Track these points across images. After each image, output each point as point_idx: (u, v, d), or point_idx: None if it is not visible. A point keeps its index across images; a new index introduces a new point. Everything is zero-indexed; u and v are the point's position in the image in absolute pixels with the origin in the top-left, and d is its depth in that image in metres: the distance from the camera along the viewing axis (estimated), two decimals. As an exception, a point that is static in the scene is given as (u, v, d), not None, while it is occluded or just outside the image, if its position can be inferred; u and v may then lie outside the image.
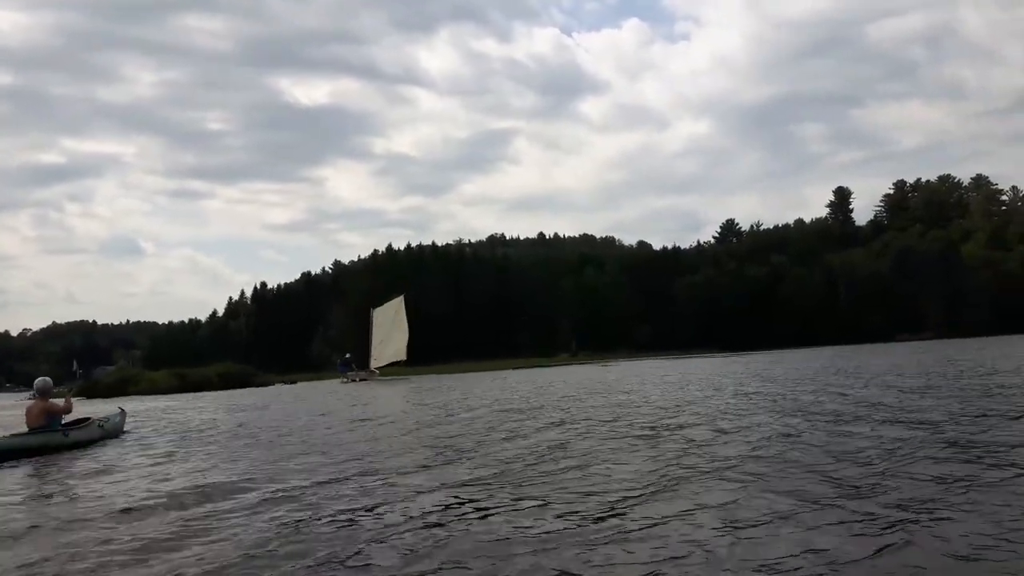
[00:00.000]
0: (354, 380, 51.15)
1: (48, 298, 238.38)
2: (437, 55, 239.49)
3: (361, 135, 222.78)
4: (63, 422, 13.00)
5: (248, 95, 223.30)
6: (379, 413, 18.80)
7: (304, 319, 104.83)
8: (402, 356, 56.98)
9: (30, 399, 12.69)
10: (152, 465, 10.06)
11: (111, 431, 14.10)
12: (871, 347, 61.96)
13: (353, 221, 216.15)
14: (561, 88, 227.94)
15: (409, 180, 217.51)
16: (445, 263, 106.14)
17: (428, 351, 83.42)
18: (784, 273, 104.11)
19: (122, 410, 15.82)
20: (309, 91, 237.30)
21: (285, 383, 58.60)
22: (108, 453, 11.96)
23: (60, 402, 13.45)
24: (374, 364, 56.83)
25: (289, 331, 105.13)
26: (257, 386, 53.32)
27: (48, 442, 12.03)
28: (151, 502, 7.18)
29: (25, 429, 12.58)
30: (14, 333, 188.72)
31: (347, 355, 57.75)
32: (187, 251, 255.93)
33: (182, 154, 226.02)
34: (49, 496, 8.13)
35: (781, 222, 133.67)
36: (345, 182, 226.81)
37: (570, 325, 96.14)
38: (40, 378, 13.42)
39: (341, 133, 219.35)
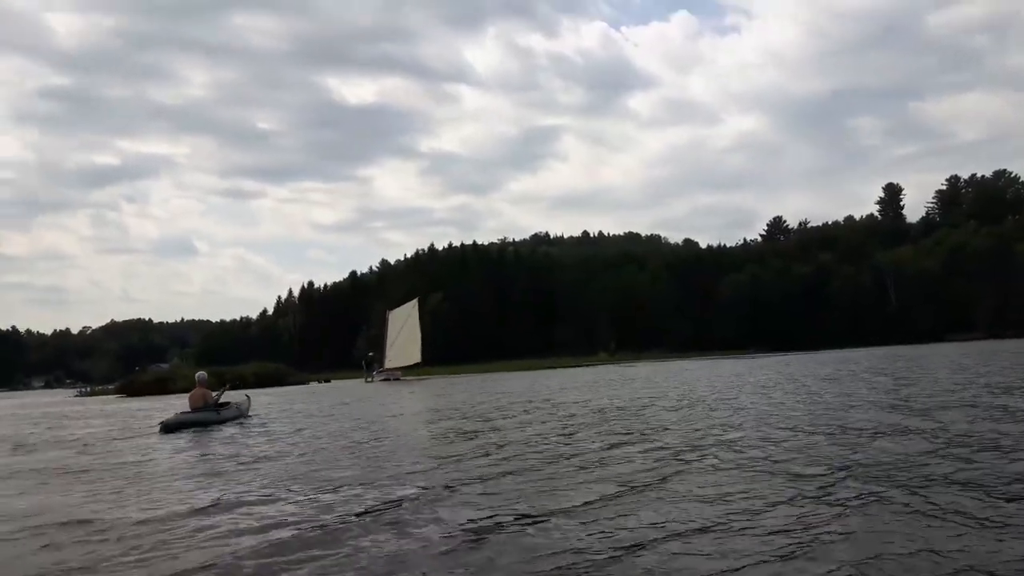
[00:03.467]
0: (387, 379, 52.09)
1: (104, 297, 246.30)
2: (484, 51, 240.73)
3: (407, 133, 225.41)
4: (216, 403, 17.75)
5: (298, 94, 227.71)
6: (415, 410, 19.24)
7: (349, 318, 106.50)
8: (416, 358, 57.87)
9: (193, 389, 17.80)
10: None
11: (243, 412, 18.84)
12: (923, 347, 60.31)
13: (399, 220, 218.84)
14: (609, 83, 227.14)
15: (455, 178, 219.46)
16: (486, 262, 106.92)
17: (466, 350, 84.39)
18: (832, 271, 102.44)
19: (247, 397, 20.57)
20: (357, 90, 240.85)
21: (319, 382, 59.84)
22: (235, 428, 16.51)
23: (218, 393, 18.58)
24: (388, 365, 57.82)
25: (335, 330, 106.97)
26: (292, 384, 54.41)
27: (207, 418, 16.59)
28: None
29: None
30: (75, 331, 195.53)
31: (370, 353, 58.89)
32: (239, 250, 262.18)
33: (233, 154, 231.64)
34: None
35: (832, 219, 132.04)
36: (392, 181, 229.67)
37: (609, 324, 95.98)
38: (199, 373, 18.64)
39: (388, 132, 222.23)
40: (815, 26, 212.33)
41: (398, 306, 63.82)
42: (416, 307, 61.15)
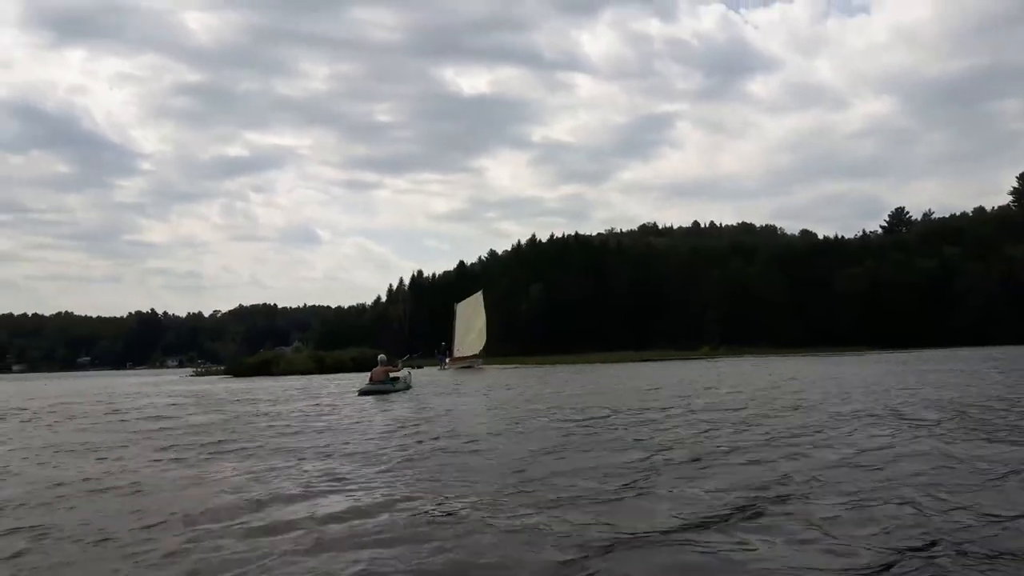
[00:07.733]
0: (469, 367, 53.48)
1: (235, 282, 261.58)
2: (599, 38, 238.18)
3: (520, 123, 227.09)
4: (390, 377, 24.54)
5: (415, 86, 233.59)
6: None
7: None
8: (478, 348, 59.97)
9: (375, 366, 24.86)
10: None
11: (407, 384, 25.46)
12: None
13: (511, 210, 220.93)
14: (728, 67, 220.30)
15: (567, 168, 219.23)
16: (588, 252, 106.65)
17: (564, 340, 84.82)
18: (957, 266, 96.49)
19: (409, 372, 28.40)
20: (471, 80, 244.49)
21: (413, 368, 61.88)
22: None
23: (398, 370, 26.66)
24: (457, 354, 59.47)
25: (441, 318, 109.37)
26: (388, 369, 56.89)
27: (387, 389, 23.24)
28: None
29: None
30: (206, 314, 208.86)
31: (443, 343, 60.60)
32: (359, 239, 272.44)
33: (354, 146, 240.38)
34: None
35: (960, 210, 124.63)
36: (504, 171, 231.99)
37: (714, 317, 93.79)
38: (380, 355, 26.55)
39: (501, 122, 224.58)
40: (955, 1, 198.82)
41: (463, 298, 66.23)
42: (480, 299, 62.67)
